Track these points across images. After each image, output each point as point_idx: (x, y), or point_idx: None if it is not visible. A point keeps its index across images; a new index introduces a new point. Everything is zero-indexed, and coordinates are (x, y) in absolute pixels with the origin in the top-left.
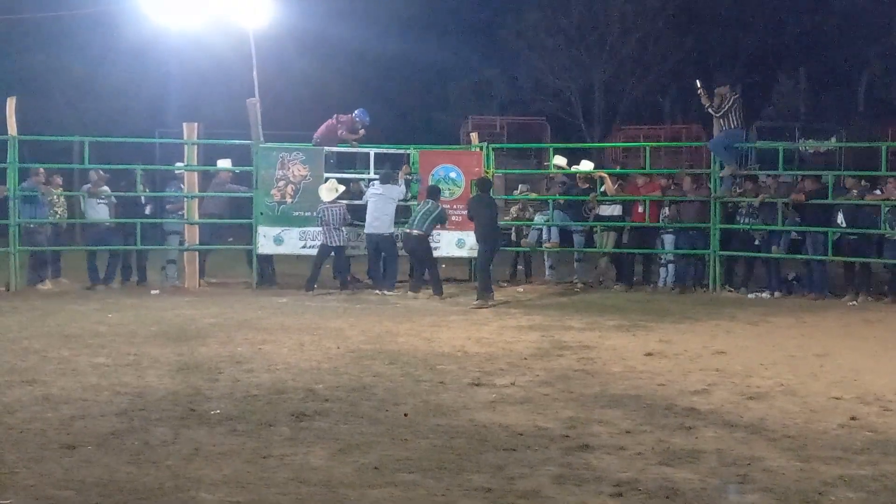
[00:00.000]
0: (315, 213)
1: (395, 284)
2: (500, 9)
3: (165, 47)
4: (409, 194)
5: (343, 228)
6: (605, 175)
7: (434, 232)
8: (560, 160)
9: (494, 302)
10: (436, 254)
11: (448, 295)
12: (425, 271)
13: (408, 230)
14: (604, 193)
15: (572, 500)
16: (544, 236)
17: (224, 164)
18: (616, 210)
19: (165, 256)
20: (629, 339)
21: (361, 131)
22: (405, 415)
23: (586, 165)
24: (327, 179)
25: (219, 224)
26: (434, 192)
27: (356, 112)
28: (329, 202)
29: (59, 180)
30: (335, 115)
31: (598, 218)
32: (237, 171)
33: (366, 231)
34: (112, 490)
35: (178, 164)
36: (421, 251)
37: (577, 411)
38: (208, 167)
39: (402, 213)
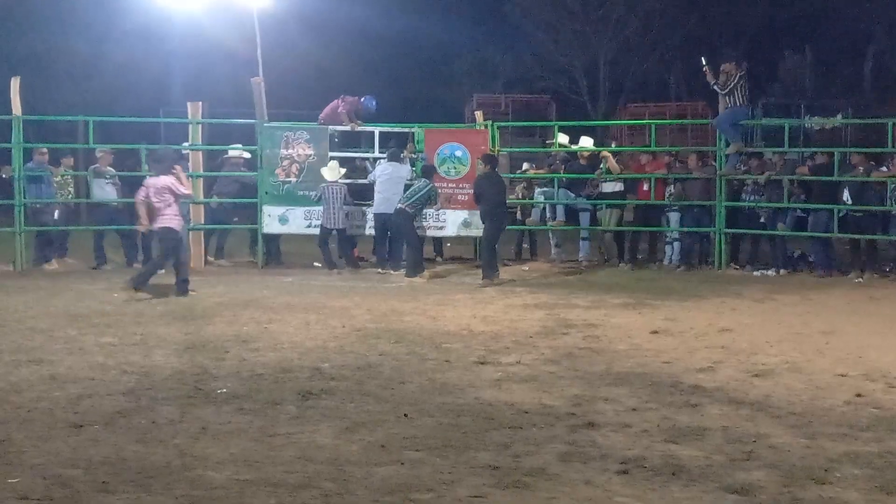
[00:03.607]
0: (315, 193)
1: (402, 264)
2: None
3: (169, 26)
4: (415, 173)
5: (344, 208)
6: (608, 154)
7: (440, 212)
8: (563, 138)
9: (500, 280)
10: (442, 234)
11: (449, 273)
12: (403, 247)
13: (399, 205)
14: (609, 171)
15: (578, 477)
16: (548, 214)
17: (236, 148)
18: (619, 187)
19: None
20: (635, 317)
21: (356, 123)
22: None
23: (585, 142)
24: (331, 160)
25: (228, 205)
26: (428, 171)
27: (364, 98)
28: (331, 181)
29: (71, 161)
30: (342, 96)
31: (602, 195)
32: (249, 157)
33: (374, 211)
34: (119, 469)
35: (185, 145)
36: (404, 227)
37: (583, 389)
38: (213, 146)
39: None
